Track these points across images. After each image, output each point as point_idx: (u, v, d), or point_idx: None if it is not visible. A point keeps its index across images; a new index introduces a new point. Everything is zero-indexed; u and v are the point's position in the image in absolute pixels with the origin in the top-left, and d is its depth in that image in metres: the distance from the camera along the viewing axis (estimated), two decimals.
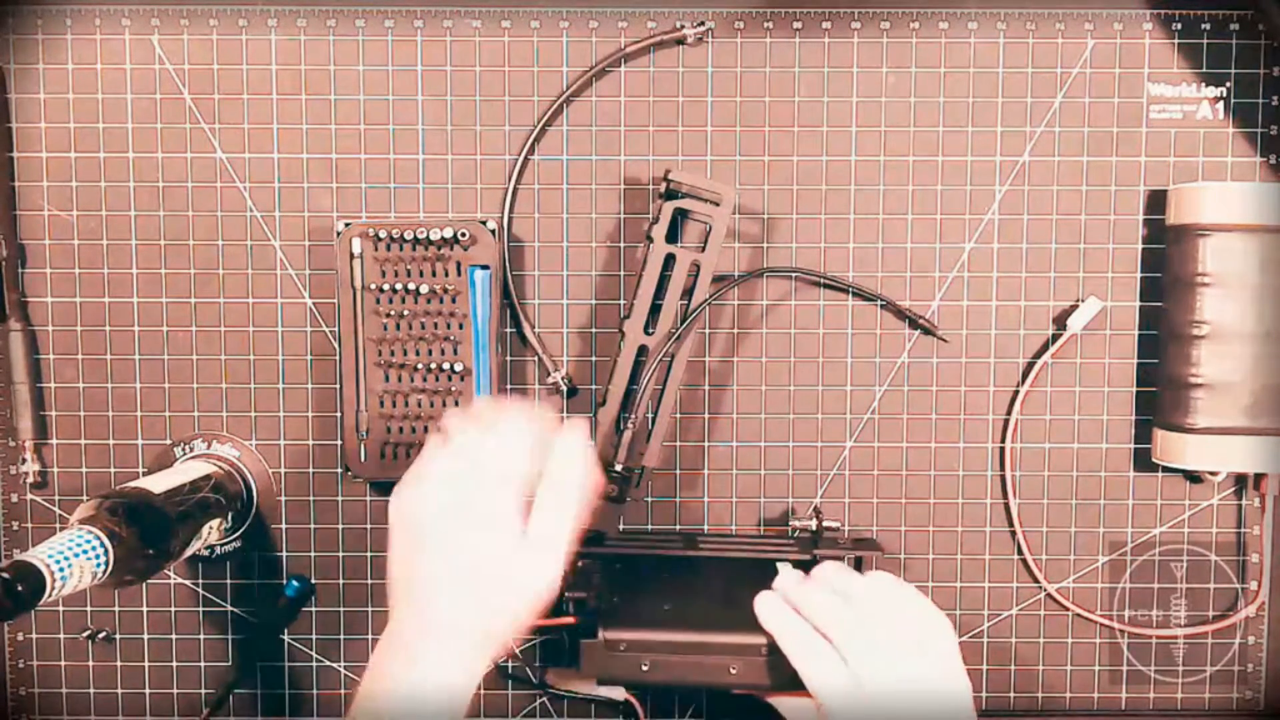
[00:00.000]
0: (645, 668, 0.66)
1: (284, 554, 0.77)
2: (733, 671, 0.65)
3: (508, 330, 0.75)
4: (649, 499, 0.76)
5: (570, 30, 0.74)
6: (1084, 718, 0.77)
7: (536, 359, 0.76)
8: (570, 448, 0.59)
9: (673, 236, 0.71)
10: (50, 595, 0.57)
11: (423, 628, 0.56)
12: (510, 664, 0.76)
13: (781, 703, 0.66)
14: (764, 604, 0.65)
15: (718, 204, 0.70)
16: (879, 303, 0.75)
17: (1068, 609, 0.77)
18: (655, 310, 0.71)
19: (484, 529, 0.57)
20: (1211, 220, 0.70)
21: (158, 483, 0.69)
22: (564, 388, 0.75)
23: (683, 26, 0.74)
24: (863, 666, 0.60)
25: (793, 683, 0.62)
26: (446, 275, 0.71)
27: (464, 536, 0.56)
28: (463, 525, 0.56)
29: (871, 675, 0.60)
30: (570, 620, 0.68)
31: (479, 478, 0.57)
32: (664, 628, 0.66)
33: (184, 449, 0.76)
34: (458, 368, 0.71)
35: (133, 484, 0.68)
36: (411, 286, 0.71)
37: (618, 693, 0.75)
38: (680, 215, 0.71)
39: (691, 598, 0.69)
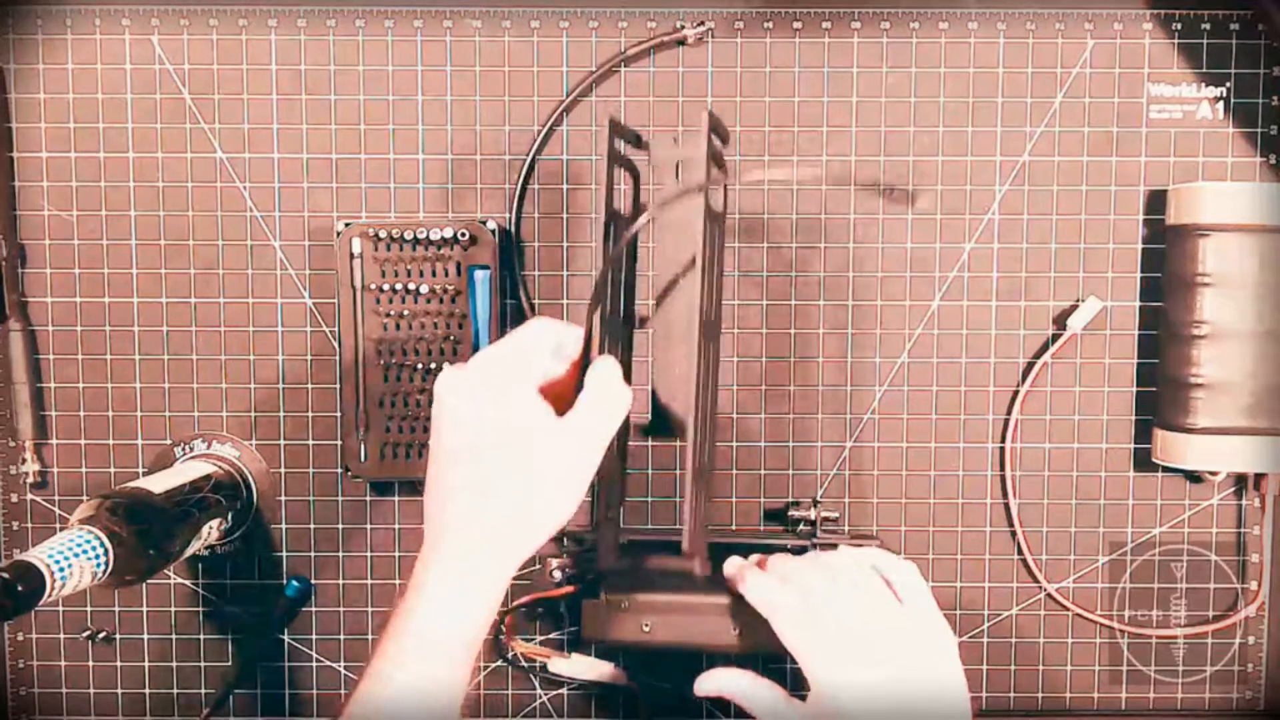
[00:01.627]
0: (647, 628, 0.65)
1: (284, 554, 0.77)
2: (734, 632, 0.65)
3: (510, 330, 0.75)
4: (649, 499, 0.76)
5: (570, 30, 0.74)
6: (1084, 718, 0.77)
7: None
8: (608, 366, 0.55)
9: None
10: (50, 595, 0.57)
11: (437, 538, 0.52)
12: (511, 653, 0.76)
13: (755, 701, 0.64)
14: (730, 564, 0.64)
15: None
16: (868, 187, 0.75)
17: (1068, 609, 0.77)
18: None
19: (510, 406, 0.52)
20: (1211, 220, 0.70)
21: (158, 483, 0.69)
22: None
23: (683, 27, 0.74)
24: (841, 616, 0.59)
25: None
26: (446, 275, 0.71)
27: (488, 412, 0.52)
28: (487, 396, 0.52)
29: (851, 624, 0.59)
30: (569, 589, 0.68)
31: (505, 366, 0.53)
32: (666, 590, 0.66)
33: (184, 449, 0.76)
34: None
35: (133, 484, 0.68)
36: (411, 286, 0.71)
37: (619, 677, 0.75)
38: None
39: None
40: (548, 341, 0.55)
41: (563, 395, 0.54)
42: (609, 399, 0.54)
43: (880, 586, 0.62)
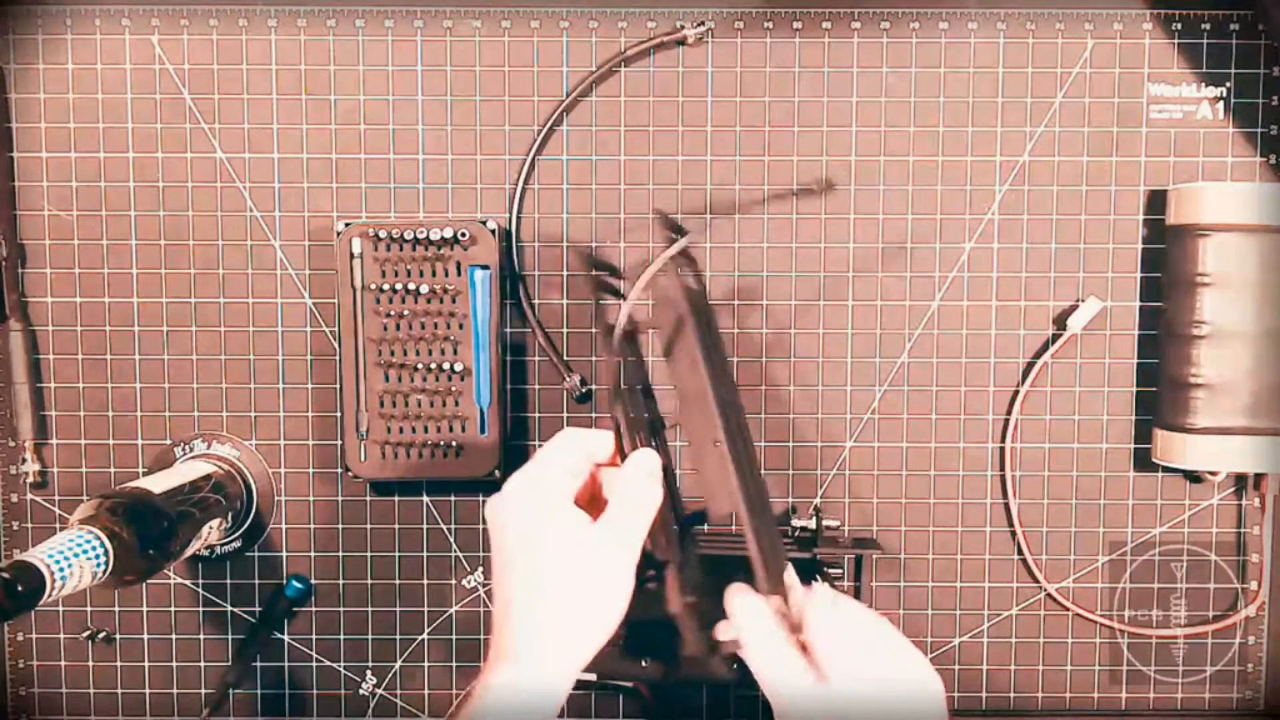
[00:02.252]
0: (645, 664, 0.66)
1: (284, 554, 0.77)
2: (735, 667, 0.64)
3: (510, 330, 0.75)
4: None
5: (570, 30, 0.74)
6: (1084, 718, 0.77)
7: (538, 359, 0.76)
8: (644, 460, 0.57)
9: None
10: (50, 595, 0.57)
11: (496, 653, 0.54)
12: None
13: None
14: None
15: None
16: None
17: (1068, 609, 0.77)
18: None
19: (544, 520, 0.54)
20: (1211, 220, 0.70)
21: (158, 483, 0.69)
22: (579, 392, 0.75)
23: (683, 27, 0.74)
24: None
25: None
26: (446, 275, 0.71)
27: (526, 528, 0.54)
28: (527, 514, 0.55)
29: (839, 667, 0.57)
30: None
31: (538, 482, 0.55)
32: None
33: (184, 449, 0.76)
34: (458, 368, 0.71)
35: (133, 484, 0.68)
36: (411, 286, 0.71)
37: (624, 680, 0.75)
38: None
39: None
40: (577, 451, 0.57)
41: (599, 498, 0.57)
42: (633, 494, 0.56)
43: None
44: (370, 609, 0.77)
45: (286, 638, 0.77)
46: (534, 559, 0.54)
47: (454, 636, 0.77)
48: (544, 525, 0.54)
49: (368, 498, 0.77)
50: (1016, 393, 0.75)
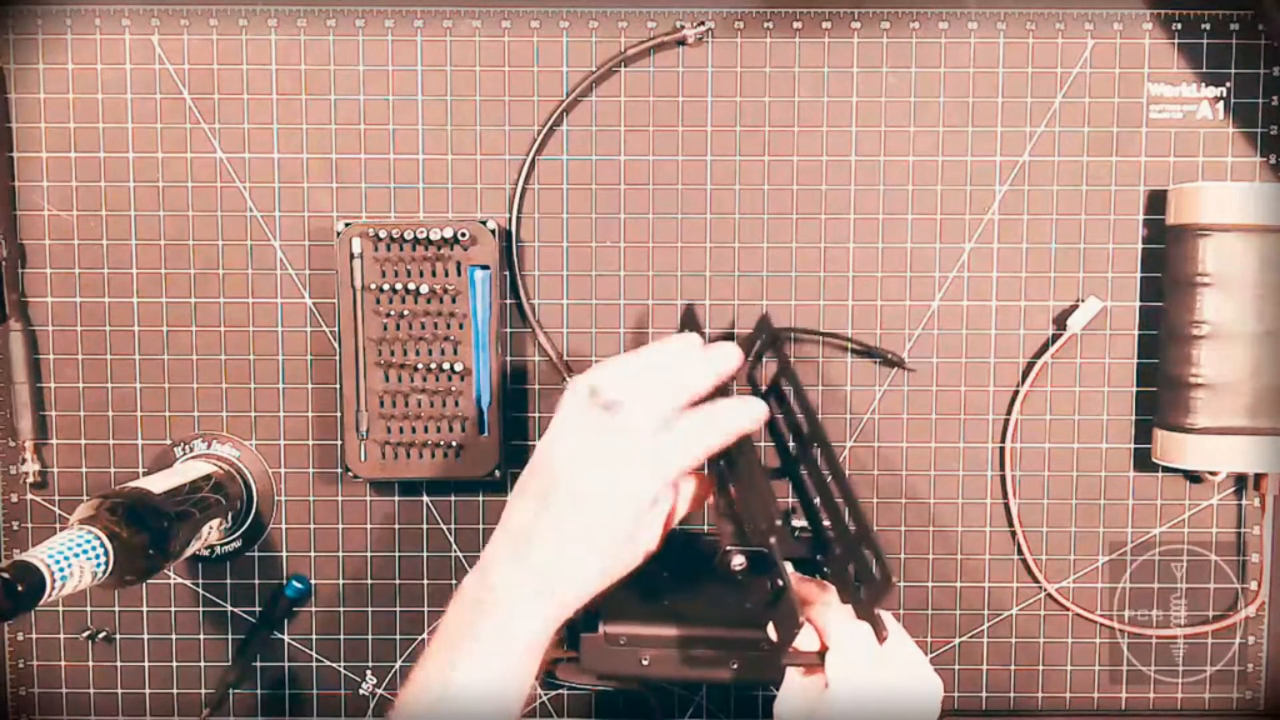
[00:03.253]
0: (645, 662, 0.66)
1: (284, 554, 0.77)
2: (734, 667, 0.65)
3: (510, 330, 0.75)
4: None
5: (570, 30, 0.74)
6: (1084, 718, 0.77)
7: (537, 359, 0.76)
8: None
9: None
10: (50, 595, 0.57)
11: (520, 529, 0.55)
12: None
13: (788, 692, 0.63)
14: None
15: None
16: (849, 345, 0.75)
17: (1068, 609, 0.77)
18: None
19: (616, 462, 0.55)
20: (1211, 220, 0.70)
21: (158, 483, 0.69)
22: None
23: (683, 27, 0.74)
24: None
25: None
26: (446, 275, 0.71)
27: (593, 458, 0.55)
28: (598, 452, 0.55)
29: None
30: None
31: (627, 427, 0.55)
32: (665, 623, 0.66)
33: (184, 449, 0.76)
34: (458, 368, 0.71)
35: (133, 484, 0.68)
36: (411, 286, 0.71)
37: (629, 682, 0.75)
38: None
39: (693, 593, 0.69)
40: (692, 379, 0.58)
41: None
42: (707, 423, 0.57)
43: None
44: (370, 609, 0.77)
45: (286, 638, 0.77)
46: (585, 486, 0.54)
47: None
48: (613, 467, 0.54)
49: (368, 498, 0.77)
50: (1016, 393, 0.75)
